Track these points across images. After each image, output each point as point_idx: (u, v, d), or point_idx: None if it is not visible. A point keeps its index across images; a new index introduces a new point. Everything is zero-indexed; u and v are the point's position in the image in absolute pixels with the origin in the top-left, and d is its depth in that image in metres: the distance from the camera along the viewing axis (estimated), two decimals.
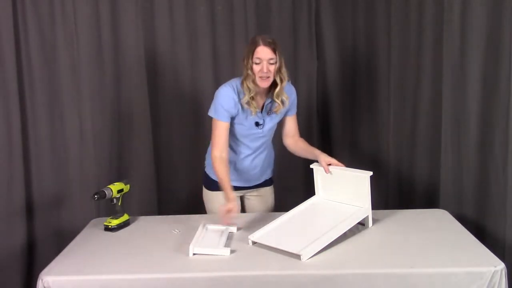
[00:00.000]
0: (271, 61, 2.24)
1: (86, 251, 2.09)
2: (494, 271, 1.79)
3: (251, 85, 2.28)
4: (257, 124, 2.38)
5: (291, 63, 3.25)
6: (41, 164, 2.98)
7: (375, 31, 3.17)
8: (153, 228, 2.33)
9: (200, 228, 2.19)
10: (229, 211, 2.13)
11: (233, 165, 2.46)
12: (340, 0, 3.21)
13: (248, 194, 2.57)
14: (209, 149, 2.49)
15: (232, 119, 2.36)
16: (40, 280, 1.85)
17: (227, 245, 2.06)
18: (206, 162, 2.55)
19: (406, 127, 3.06)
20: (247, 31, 3.12)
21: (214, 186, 2.43)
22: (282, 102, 2.35)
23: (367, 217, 2.23)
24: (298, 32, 3.23)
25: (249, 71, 2.27)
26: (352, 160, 3.34)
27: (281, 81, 2.30)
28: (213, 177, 2.45)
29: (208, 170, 2.53)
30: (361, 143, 3.34)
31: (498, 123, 2.42)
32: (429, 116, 2.88)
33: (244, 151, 2.45)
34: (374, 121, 3.27)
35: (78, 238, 2.26)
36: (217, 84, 3.11)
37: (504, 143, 2.37)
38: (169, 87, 3.15)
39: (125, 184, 2.39)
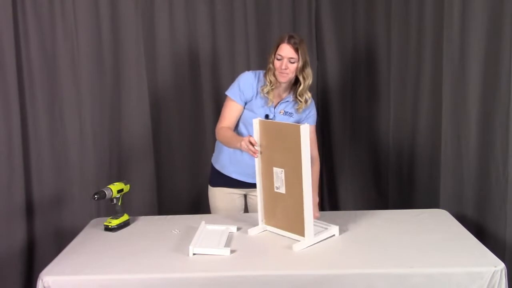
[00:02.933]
0: (292, 60, 2.31)
1: (86, 251, 2.09)
2: (494, 271, 1.79)
3: (272, 78, 2.37)
4: (266, 117, 2.42)
5: None
6: (41, 164, 2.98)
7: (375, 31, 3.18)
8: (153, 228, 2.33)
9: (200, 228, 2.19)
10: (250, 142, 2.13)
11: (238, 155, 2.46)
12: (340, 0, 3.21)
13: (251, 193, 2.57)
14: (217, 141, 2.54)
15: (245, 104, 2.42)
16: (40, 280, 1.85)
17: (227, 245, 2.06)
18: (214, 154, 2.60)
19: (406, 127, 3.07)
20: (247, 31, 3.13)
21: (217, 180, 2.49)
22: (306, 101, 2.41)
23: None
24: (298, 32, 3.22)
25: (271, 65, 2.36)
26: (352, 160, 3.36)
27: (304, 79, 2.36)
28: (217, 167, 2.52)
29: (213, 160, 2.59)
30: (361, 143, 3.34)
31: (498, 123, 2.42)
32: (429, 116, 2.88)
33: None
34: (374, 121, 3.27)
35: (78, 238, 2.26)
36: (217, 84, 3.14)
37: (504, 143, 2.37)
38: (169, 87, 3.15)
39: (125, 184, 2.39)
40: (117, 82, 3.06)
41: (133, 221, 2.42)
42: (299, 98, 2.40)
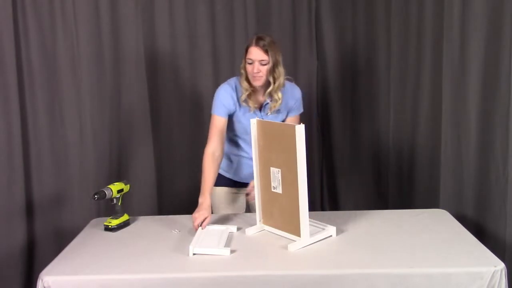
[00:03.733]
0: (263, 62, 2.27)
1: (86, 251, 2.09)
2: (494, 271, 1.79)
3: (245, 83, 2.33)
4: None
5: (291, 63, 3.25)
6: (41, 164, 2.98)
7: (375, 31, 3.18)
8: (153, 228, 2.33)
9: (200, 228, 2.19)
10: (199, 218, 2.17)
11: (236, 162, 2.51)
12: (340, 0, 3.21)
13: (252, 193, 2.57)
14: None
15: (231, 116, 2.39)
16: (40, 280, 1.85)
17: (227, 245, 2.06)
18: None
19: (406, 127, 3.07)
20: (247, 31, 3.12)
21: (218, 179, 2.48)
22: (276, 101, 2.36)
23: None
24: (298, 32, 3.23)
25: (242, 70, 2.33)
26: (352, 160, 3.36)
27: (274, 79, 2.31)
28: (220, 171, 2.51)
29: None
30: (361, 143, 3.34)
31: (498, 123, 2.42)
32: (429, 116, 2.88)
33: (245, 149, 2.48)
34: (374, 121, 3.27)
35: (78, 238, 2.26)
36: (217, 84, 3.10)
37: (504, 143, 2.37)
38: (169, 87, 3.16)
39: (125, 184, 2.39)
40: (117, 82, 3.06)
41: (133, 221, 2.42)
42: (271, 97, 2.36)
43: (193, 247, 1.99)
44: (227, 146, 2.52)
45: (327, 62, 3.27)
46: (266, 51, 2.26)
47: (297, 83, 3.27)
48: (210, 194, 2.28)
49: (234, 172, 2.55)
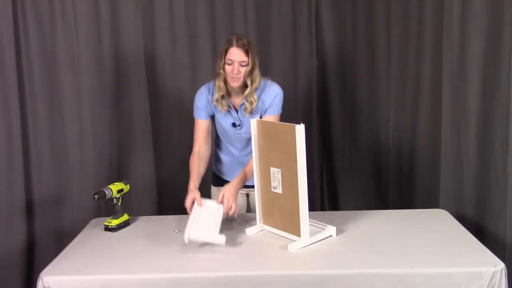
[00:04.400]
0: (243, 63, 2.26)
1: (86, 251, 2.09)
2: (494, 271, 1.79)
3: (221, 84, 2.31)
4: (234, 125, 2.40)
5: (291, 63, 3.25)
6: (41, 164, 2.98)
7: (375, 31, 3.18)
8: (153, 228, 2.33)
9: (193, 213, 2.16)
10: (191, 201, 2.18)
11: (227, 162, 2.53)
12: (340, 0, 3.21)
13: (252, 193, 2.57)
14: (215, 152, 2.58)
15: (214, 117, 2.45)
16: (40, 280, 1.85)
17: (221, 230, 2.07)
18: (214, 162, 2.62)
19: (406, 127, 3.07)
20: (247, 31, 3.12)
21: (218, 180, 2.54)
22: (251, 103, 2.34)
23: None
24: (298, 32, 3.23)
25: (221, 70, 2.29)
26: (352, 160, 3.36)
27: (252, 83, 2.30)
28: (217, 173, 2.57)
29: (214, 168, 2.61)
30: (361, 143, 3.34)
31: (498, 123, 2.42)
32: (429, 116, 2.88)
33: (230, 149, 2.49)
34: (374, 121, 3.27)
35: (78, 238, 2.26)
36: None
37: (504, 143, 2.37)
38: (169, 87, 3.16)
39: (125, 184, 2.39)
40: (117, 82, 3.06)
41: (133, 221, 2.42)
42: (246, 99, 2.33)
43: (188, 233, 1.99)
44: (217, 148, 2.56)
45: (327, 62, 3.27)
46: (246, 52, 2.25)
47: (297, 83, 3.29)
48: (198, 182, 2.30)
49: (228, 173, 2.53)
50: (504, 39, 2.34)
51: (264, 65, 3.19)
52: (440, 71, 2.66)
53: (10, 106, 2.83)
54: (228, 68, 2.26)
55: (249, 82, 2.29)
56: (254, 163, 2.20)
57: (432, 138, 2.85)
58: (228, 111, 2.39)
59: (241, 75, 2.26)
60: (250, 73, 2.28)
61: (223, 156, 2.54)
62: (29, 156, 2.95)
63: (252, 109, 2.35)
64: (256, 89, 2.32)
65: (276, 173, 2.10)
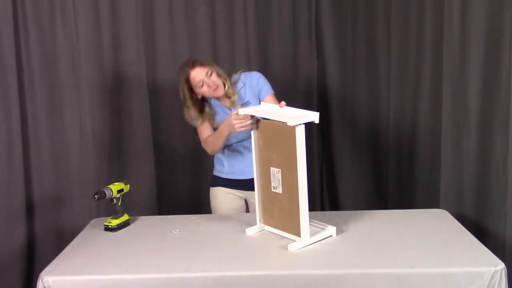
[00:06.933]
0: (208, 74, 2.33)
1: (86, 251, 2.09)
2: (494, 271, 1.79)
3: (196, 114, 2.41)
4: None
5: (291, 63, 3.26)
6: (41, 164, 2.98)
7: (375, 32, 3.17)
8: (153, 228, 2.33)
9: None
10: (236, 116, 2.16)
11: (226, 156, 2.55)
12: (340, 0, 3.21)
13: (252, 198, 2.58)
14: (214, 158, 2.63)
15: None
16: (40, 280, 1.85)
17: None
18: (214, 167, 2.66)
19: (406, 127, 3.07)
20: (247, 31, 3.13)
21: (217, 180, 2.58)
22: (233, 95, 2.42)
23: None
24: (298, 32, 3.23)
25: (199, 96, 2.38)
26: (352, 160, 3.36)
27: (225, 81, 2.38)
28: (216, 173, 2.60)
29: (214, 171, 2.64)
30: (361, 143, 3.34)
31: (498, 123, 2.41)
32: (429, 115, 2.88)
33: (232, 139, 2.50)
34: (374, 121, 3.27)
35: (78, 238, 2.26)
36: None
37: (504, 143, 2.37)
38: (169, 87, 3.15)
39: (125, 184, 2.39)
40: (117, 82, 3.06)
41: (133, 221, 2.42)
42: (228, 97, 2.41)
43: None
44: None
45: (327, 62, 3.27)
46: (201, 65, 2.33)
47: (297, 83, 3.30)
48: None
49: (228, 170, 2.56)
50: (504, 39, 2.34)
51: (264, 65, 3.21)
52: (440, 71, 2.66)
53: (10, 106, 2.83)
54: (203, 89, 2.35)
55: (221, 84, 2.38)
56: (254, 163, 2.20)
57: (432, 138, 2.85)
58: (222, 111, 2.44)
59: (217, 82, 2.34)
60: (218, 75, 2.36)
61: (226, 151, 2.55)
62: (29, 156, 2.95)
63: (235, 99, 2.41)
64: (235, 84, 2.43)
65: (276, 173, 2.10)
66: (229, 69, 3.10)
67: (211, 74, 2.34)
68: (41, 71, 2.93)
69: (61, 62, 2.95)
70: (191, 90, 2.37)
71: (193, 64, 2.34)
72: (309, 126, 3.22)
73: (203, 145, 2.51)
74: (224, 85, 2.39)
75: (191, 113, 2.42)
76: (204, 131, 2.48)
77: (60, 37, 2.93)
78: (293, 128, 1.94)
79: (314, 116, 1.98)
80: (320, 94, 3.31)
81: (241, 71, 2.51)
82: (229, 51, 3.16)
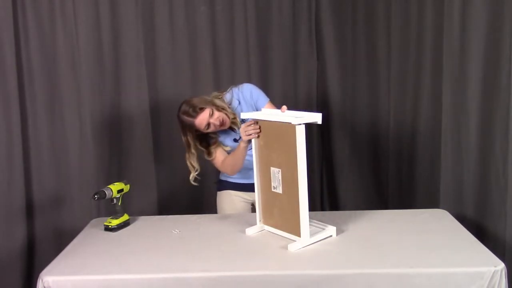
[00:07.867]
0: (211, 114, 2.32)
1: (86, 251, 2.09)
2: (494, 271, 1.79)
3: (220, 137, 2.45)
4: (235, 140, 2.48)
5: (291, 63, 3.25)
6: (41, 164, 2.98)
7: (375, 31, 3.18)
8: (153, 228, 2.33)
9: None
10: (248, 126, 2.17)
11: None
12: (340, 0, 3.21)
13: None
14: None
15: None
16: (40, 280, 1.85)
17: None
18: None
19: (406, 127, 3.07)
20: (247, 31, 3.13)
21: (223, 185, 2.59)
22: (234, 117, 2.43)
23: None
24: (298, 32, 3.23)
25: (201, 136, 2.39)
26: (352, 160, 3.36)
27: (226, 114, 2.38)
28: (222, 178, 2.61)
29: (220, 176, 2.67)
30: (361, 143, 3.34)
31: (498, 123, 2.42)
32: (429, 116, 2.88)
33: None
34: (374, 121, 3.27)
35: (78, 238, 2.26)
36: (217, 84, 3.14)
37: (504, 143, 2.37)
38: (169, 87, 3.15)
39: (125, 184, 2.39)
40: (117, 82, 3.06)
41: (133, 221, 2.42)
42: (232, 122, 2.42)
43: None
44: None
45: (327, 62, 3.27)
46: (202, 109, 2.31)
47: (297, 83, 3.30)
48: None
49: (239, 175, 2.55)
50: (504, 39, 2.34)
51: (264, 65, 3.21)
52: (440, 71, 2.66)
53: (10, 106, 2.83)
54: (210, 129, 2.35)
55: (227, 114, 2.38)
56: (254, 163, 2.20)
57: (432, 138, 2.85)
58: (228, 133, 2.47)
59: (221, 117, 2.34)
60: (218, 109, 2.35)
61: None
62: (29, 156, 2.95)
63: (237, 119, 2.43)
64: (230, 104, 2.43)
65: (276, 173, 2.10)
66: (229, 69, 3.13)
67: (213, 113, 2.33)
68: (41, 71, 2.93)
69: (61, 62, 2.94)
70: (195, 135, 2.37)
71: (194, 111, 2.30)
72: (309, 126, 3.25)
73: (222, 170, 2.52)
74: (227, 115, 2.39)
75: (194, 162, 2.41)
76: (219, 156, 2.46)
77: (60, 37, 2.93)
78: (293, 128, 1.94)
79: (317, 117, 1.98)
80: (320, 94, 3.31)
81: (230, 87, 2.51)
82: (229, 51, 3.16)
